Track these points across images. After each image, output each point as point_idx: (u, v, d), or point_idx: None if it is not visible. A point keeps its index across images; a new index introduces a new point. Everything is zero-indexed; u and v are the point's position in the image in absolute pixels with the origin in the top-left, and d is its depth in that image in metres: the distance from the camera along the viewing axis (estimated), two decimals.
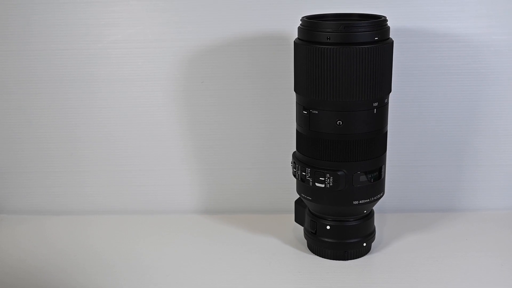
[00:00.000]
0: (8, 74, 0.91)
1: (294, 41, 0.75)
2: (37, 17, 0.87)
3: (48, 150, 0.93)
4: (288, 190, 0.90)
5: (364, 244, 0.79)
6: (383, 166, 0.77)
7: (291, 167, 0.80)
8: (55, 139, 0.93)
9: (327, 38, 0.70)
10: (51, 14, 0.87)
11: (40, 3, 0.87)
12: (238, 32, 0.87)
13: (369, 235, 0.80)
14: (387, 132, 0.77)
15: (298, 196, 0.81)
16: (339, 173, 0.74)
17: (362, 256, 0.80)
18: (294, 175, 0.79)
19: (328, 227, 0.78)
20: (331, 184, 0.74)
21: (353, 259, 0.79)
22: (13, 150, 0.94)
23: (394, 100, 0.81)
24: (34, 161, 0.94)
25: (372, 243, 0.81)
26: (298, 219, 0.84)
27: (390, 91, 0.75)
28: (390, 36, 0.74)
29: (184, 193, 0.95)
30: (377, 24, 0.71)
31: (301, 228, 0.84)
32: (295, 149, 0.80)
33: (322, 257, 0.80)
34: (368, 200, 0.76)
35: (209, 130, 0.91)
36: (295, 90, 0.76)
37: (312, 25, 0.72)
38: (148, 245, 0.85)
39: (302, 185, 0.78)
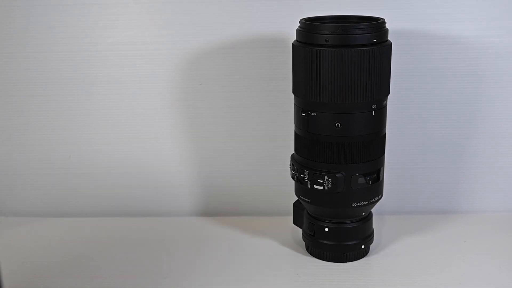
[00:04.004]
0: (7, 76, 0.91)
1: (292, 43, 0.75)
2: (36, 19, 0.87)
3: (46, 152, 0.93)
4: (286, 192, 0.90)
5: (363, 246, 0.79)
6: (382, 168, 0.77)
7: (289, 169, 0.80)
8: (54, 141, 0.93)
9: (326, 40, 0.70)
10: (49, 16, 0.87)
11: (38, 5, 0.87)
12: (237, 34, 0.87)
13: (368, 237, 0.80)
14: (385, 134, 0.77)
15: (297, 198, 0.81)
16: (337, 175, 0.73)
17: (361, 258, 0.80)
18: (293, 177, 0.79)
19: (326, 229, 0.78)
20: (329, 186, 0.74)
21: (352, 261, 0.79)
22: (11, 152, 0.94)
23: (392, 102, 0.81)
24: (32, 163, 0.94)
25: (371, 245, 0.81)
26: (297, 221, 0.84)
27: (389, 93, 0.75)
28: (389, 38, 0.74)
29: (182, 195, 0.94)
30: (376, 26, 0.71)
31: (300, 230, 0.84)
32: (293, 151, 0.80)
33: (321, 259, 0.80)
34: (367, 202, 0.76)
35: (207, 132, 0.91)
36: (293, 92, 0.76)
37: (310, 27, 0.72)
38: (147, 247, 0.85)
39: (301, 187, 0.78)
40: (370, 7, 0.84)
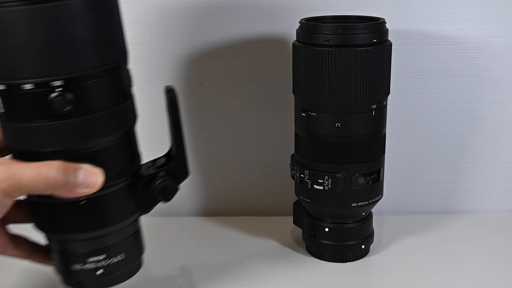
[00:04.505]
0: None
1: (292, 43, 0.75)
2: None
3: None
4: (286, 192, 0.90)
5: (363, 246, 0.79)
6: (382, 168, 0.77)
7: (289, 169, 0.80)
8: None
9: (326, 40, 0.70)
10: None
11: None
12: (237, 34, 0.87)
13: (368, 237, 0.80)
14: (385, 134, 0.77)
15: (297, 198, 0.81)
16: (337, 175, 0.74)
17: (361, 258, 0.80)
18: (293, 177, 0.79)
19: (326, 229, 0.78)
20: (329, 186, 0.74)
21: (352, 261, 0.79)
22: None
23: (392, 102, 0.81)
24: None
25: (371, 245, 0.81)
26: (297, 221, 0.84)
27: (389, 93, 0.75)
28: (389, 38, 0.74)
29: (182, 196, 0.94)
30: (376, 26, 0.71)
31: (300, 230, 0.84)
32: (293, 151, 0.80)
33: (321, 259, 0.80)
34: (367, 202, 0.76)
35: (207, 132, 0.91)
36: (293, 92, 0.76)
37: (310, 27, 0.72)
38: (146, 247, 0.85)
39: (301, 187, 0.78)
40: (370, 7, 0.84)
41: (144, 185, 0.64)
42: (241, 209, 0.94)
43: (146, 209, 0.65)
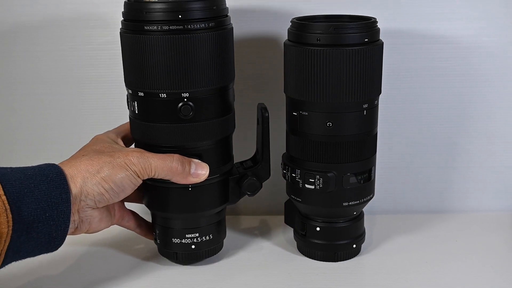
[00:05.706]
0: None
1: (284, 43, 0.75)
2: (26, 18, 0.87)
3: (41, 152, 0.93)
4: (278, 192, 0.90)
5: (354, 246, 0.79)
6: (373, 168, 0.77)
7: (281, 168, 0.80)
8: (47, 140, 0.93)
9: (317, 40, 0.70)
10: (40, 15, 0.87)
11: (28, 4, 0.87)
12: None
13: (359, 236, 0.80)
14: (377, 133, 0.77)
15: (288, 197, 0.81)
16: (329, 174, 0.73)
17: (352, 257, 0.80)
18: (284, 177, 0.79)
19: (318, 229, 0.78)
20: (321, 186, 0.74)
21: (343, 260, 0.79)
22: (4, 151, 0.93)
23: (384, 101, 0.81)
24: (25, 163, 0.93)
25: (362, 245, 0.81)
26: (288, 221, 0.84)
27: (380, 92, 0.75)
28: (380, 38, 0.74)
29: None
30: (367, 25, 0.71)
31: (291, 230, 0.84)
32: (285, 151, 0.80)
33: (312, 258, 0.80)
34: (358, 201, 0.76)
35: None
36: (285, 92, 0.76)
37: (302, 27, 0.72)
38: (144, 245, 0.85)
39: (292, 186, 0.78)
40: (361, 6, 0.84)
41: (236, 182, 0.78)
42: (232, 209, 0.94)
43: (234, 200, 0.78)
